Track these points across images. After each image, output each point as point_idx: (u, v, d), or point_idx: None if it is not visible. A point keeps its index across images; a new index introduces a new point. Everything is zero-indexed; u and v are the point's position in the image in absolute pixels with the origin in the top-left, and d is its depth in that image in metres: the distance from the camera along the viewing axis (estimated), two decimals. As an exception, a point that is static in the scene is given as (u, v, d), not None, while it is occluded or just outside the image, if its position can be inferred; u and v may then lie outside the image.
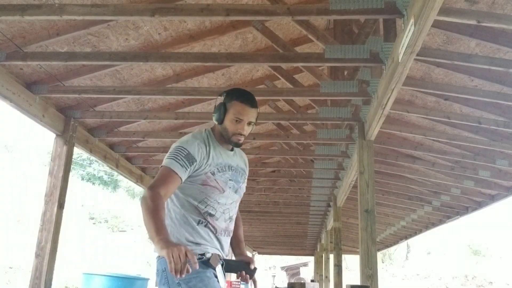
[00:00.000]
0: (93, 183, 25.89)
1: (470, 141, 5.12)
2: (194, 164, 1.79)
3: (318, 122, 5.09)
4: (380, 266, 22.87)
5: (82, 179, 25.46)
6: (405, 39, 2.43)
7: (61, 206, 4.44)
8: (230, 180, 1.91)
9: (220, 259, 1.84)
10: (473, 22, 2.69)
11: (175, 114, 4.83)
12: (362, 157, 4.06)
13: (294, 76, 4.68)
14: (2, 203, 14.02)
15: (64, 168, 4.51)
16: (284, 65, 4.52)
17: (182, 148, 1.80)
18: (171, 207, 1.86)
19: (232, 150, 1.98)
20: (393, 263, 28.29)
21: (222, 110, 1.87)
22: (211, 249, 1.82)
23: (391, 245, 14.79)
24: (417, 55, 2.56)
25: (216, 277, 1.78)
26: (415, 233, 11.32)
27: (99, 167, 26.37)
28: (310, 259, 20.76)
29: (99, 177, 26.88)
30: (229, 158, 1.95)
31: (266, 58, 3.72)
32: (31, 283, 4.20)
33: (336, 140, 5.11)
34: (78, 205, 19.47)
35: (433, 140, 5.57)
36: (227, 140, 1.90)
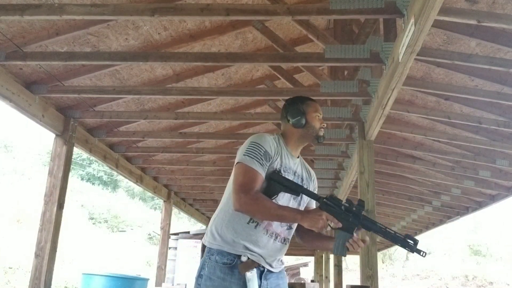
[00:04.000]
0: (93, 183, 25.83)
1: (470, 141, 5.12)
2: (270, 161, 1.82)
3: (318, 122, 5.07)
4: (380, 266, 22.86)
5: (82, 179, 25.42)
6: (405, 39, 2.42)
7: (60, 206, 4.44)
8: None
9: (258, 266, 1.79)
10: (473, 22, 2.69)
11: (175, 114, 4.82)
12: (362, 157, 4.06)
13: (294, 76, 4.68)
14: (2, 203, 14.01)
15: (63, 168, 4.51)
16: (284, 65, 4.52)
17: (259, 146, 1.82)
18: (229, 201, 1.81)
19: (298, 157, 2.01)
20: (393, 263, 28.24)
21: (301, 112, 1.94)
22: (250, 254, 1.76)
23: (391, 245, 14.77)
24: (417, 55, 2.56)
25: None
26: (415, 233, 11.29)
27: (99, 167, 26.31)
28: (310, 259, 20.73)
29: (98, 177, 26.82)
30: (294, 164, 1.96)
31: (266, 58, 3.72)
32: (31, 283, 4.20)
33: (336, 140, 5.11)
34: (78, 205, 19.45)
35: (434, 140, 5.56)
36: (314, 137, 1.96)
